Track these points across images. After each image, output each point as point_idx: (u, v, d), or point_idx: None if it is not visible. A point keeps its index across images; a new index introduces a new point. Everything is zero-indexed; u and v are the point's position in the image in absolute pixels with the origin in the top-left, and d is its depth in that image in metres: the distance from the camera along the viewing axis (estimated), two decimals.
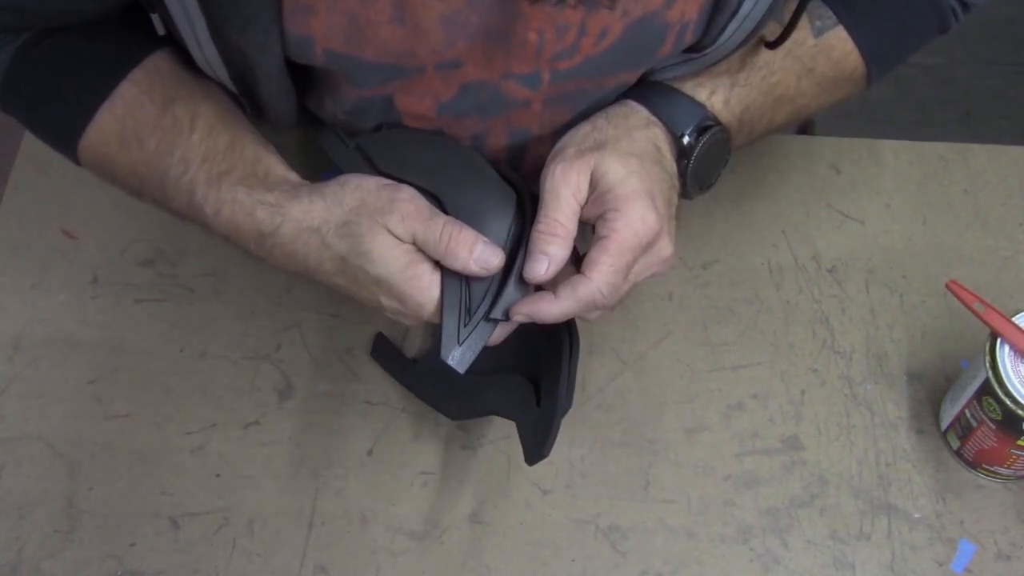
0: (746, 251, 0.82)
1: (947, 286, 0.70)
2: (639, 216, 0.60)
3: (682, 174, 0.67)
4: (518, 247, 0.63)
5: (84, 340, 0.79)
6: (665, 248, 0.63)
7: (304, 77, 0.66)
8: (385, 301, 0.62)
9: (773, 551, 0.71)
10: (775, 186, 0.85)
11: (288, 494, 0.73)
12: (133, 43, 0.65)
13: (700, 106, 0.67)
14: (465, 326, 0.61)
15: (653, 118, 0.67)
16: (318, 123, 0.72)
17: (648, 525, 0.72)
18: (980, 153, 0.87)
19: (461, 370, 0.61)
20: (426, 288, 0.60)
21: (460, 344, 0.61)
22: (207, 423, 0.76)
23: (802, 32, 0.69)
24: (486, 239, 0.61)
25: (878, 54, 0.72)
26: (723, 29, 0.62)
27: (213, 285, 0.81)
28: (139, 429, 0.75)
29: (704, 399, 0.76)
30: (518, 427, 0.67)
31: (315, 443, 0.75)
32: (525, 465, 0.64)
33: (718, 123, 0.68)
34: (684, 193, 0.68)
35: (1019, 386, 0.65)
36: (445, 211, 0.62)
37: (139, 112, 0.64)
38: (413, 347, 0.79)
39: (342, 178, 0.63)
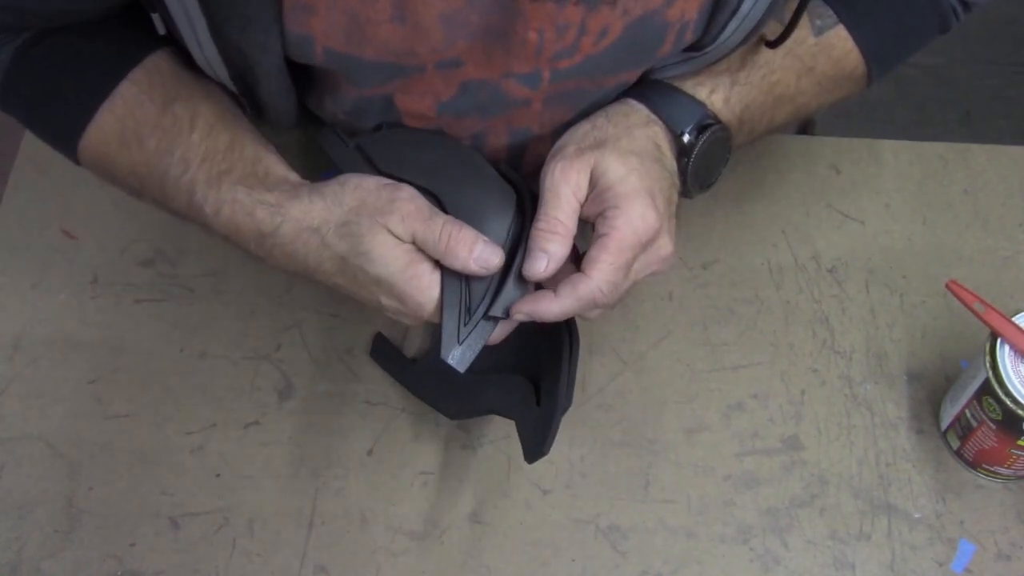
0: (746, 251, 0.82)
1: (947, 286, 0.70)
2: (639, 214, 0.60)
3: (682, 172, 0.67)
4: (518, 246, 0.63)
5: (84, 340, 0.79)
6: (665, 246, 0.63)
7: (304, 77, 0.66)
8: (385, 301, 0.62)
9: (773, 551, 0.71)
10: (775, 186, 0.85)
11: (288, 494, 0.73)
12: (133, 43, 0.65)
13: (700, 104, 0.67)
14: (465, 325, 0.61)
15: (653, 116, 0.67)
16: (318, 123, 0.72)
17: (648, 525, 0.72)
18: (980, 153, 0.87)
19: (461, 369, 0.61)
20: (426, 288, 0.60)
21: (460, 343, 0.61)
22: (207, 423, 0.76)
23: (802, 31, 0.69)
24: (486, 238, 0.61)
25: (878, 53, 0.72)
26: (723, 28, 0.62)
27: (213, 285, 0.81)
28: (139, 429, 0.75)
29: (704, 399, 0.76)
30: (518, 426, 0.67)
31: (315, 443, 0.75)
32: (525, 465, 0.64)
33: (718, 121, 0.68)
34: (684, 192, 0.68)
35: (1019, 386, 0.65)
36: (445, 210, 0.62)
37: (139, 112, 0.64)
38: (413, 347, 0.79)
39: (342, 178, 0.63)
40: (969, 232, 0.83)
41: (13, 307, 0.80)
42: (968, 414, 0.70)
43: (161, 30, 0.61)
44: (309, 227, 0.61)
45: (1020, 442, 0.67)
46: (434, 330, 0.69)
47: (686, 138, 0.66)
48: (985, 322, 0.67)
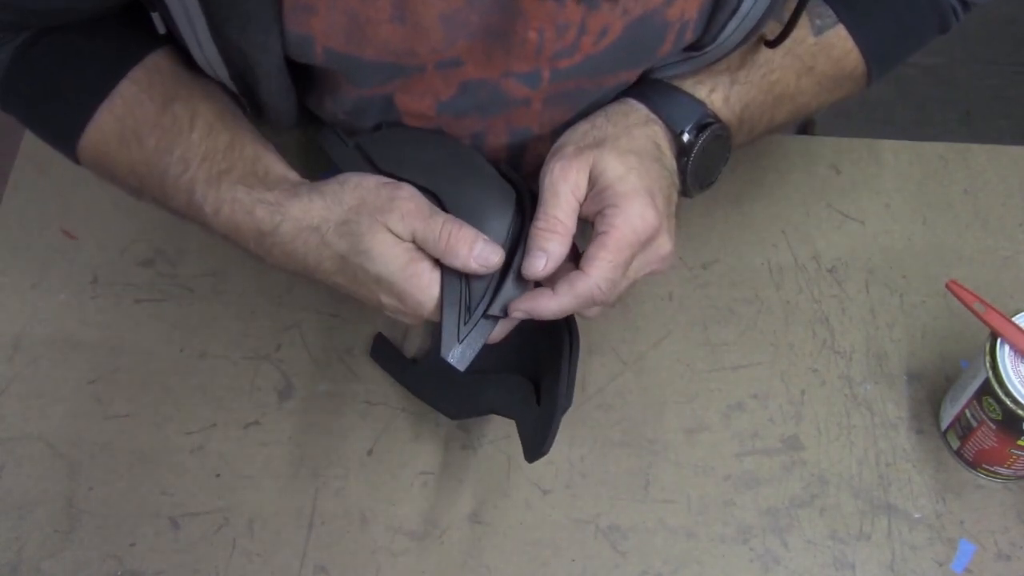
0: (746, 251, 0.82)
1: (947, 286, 0.70)
2: (638, 213, 0.60)
3: (682, 172, 0.67)
4: (518, 245, 0.63)
5: (84, 340, 0.79)
6: (664, 245, 0.63)
7: (304, 77, 0.66)
8: (385, 300, 0.62)
9: (773, 551, 0.71)
10: (775, 186, 0.85)
11: (288, 494, 0.73)
12: (133, 42, 0.65)
13: (700, 103, 0.67)
14: (465, 324, 0.61)
15: (652, 116, 0.67)
16: (318, 123, 0.72)
17: (648, 525, 0.72)
18: (980, 153, 0.87)
19: (461, 368, 0.61)
20: (426, 286, 0.60)
21: (460, 342, 0.61)
22: (207, 423, 0.76)
23: (802, 30, 0.69)
24: (486, 237, 0.61)
25: (878, 53, 0.72)
26: (723, 28, 0.62)
27: (213, 285, 0.81)
28: (139, 429, 0.75)
29: (704, 399, 0.76)
30: (518, 425, 0.67)
31: (315, 443, 0.75)
32: (525, 465, 0.64)
33: (718, 120, 0.68)
34: (684, 191, 0.68)
35: (1019, 386, 0.65)
36: (445, 209, 0.62)
37: (139, 111, 0.64)
38: (413, 347, 0.79)
39: (341, 177, 0.63)
40: (969, 232, 0.83)
41: (13, 307, 0.80)
42: (968, 414, 0.70)
43: (161, 29, 0.61)
44: (309, 226, 0.61)
45: (1020, 442, 0.67)
46: (434, 330, 0.69)
47: (685, 137, 0.66)
48: (985, 322, 0.67)
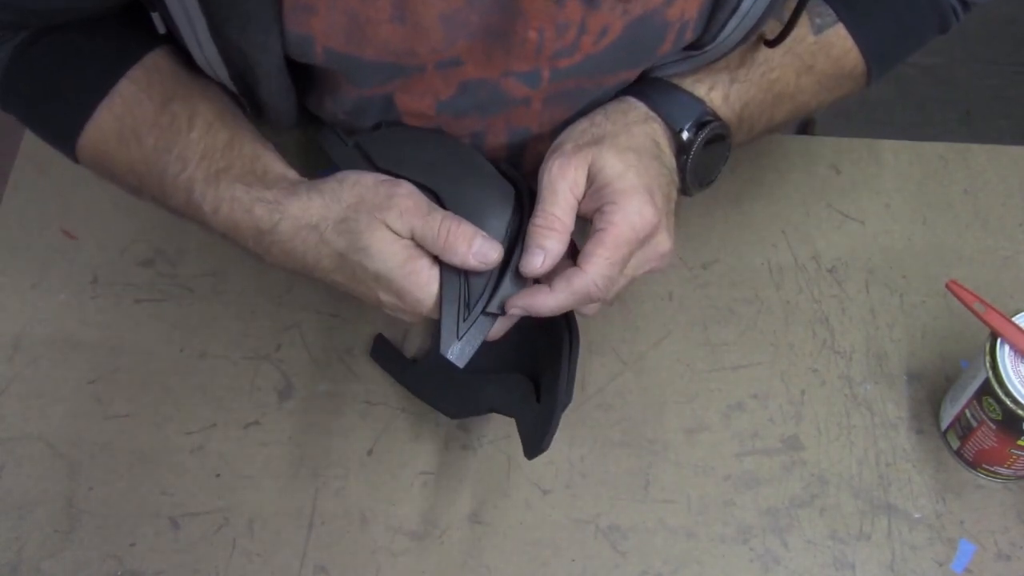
0: (746, 251, 0.82)
1: (947, 286, 0.70)
2: (636, 210, 0.60)
3: (681, 170, 0.67)
4: (517, 243, 0.63)
5: (84, 340, 0.79)
6: (663, 243, 0.63)
7: (304, 77, 0.66)
8: (384, 297, 0.62)
9: (773, 551, 0.71)
10: (775, 186, 0.85)
11: (288, 494, 0.73)
12: (132, 41, 0.65)
13: (699, 101, 0.67)
14: (464, 321, 0.61)
15: (652, 114, 0.67)
16: (318, 123, 0.72)
17: (648, 525, 0.72)
18: (980, 153, 0.87)
19: (460, 365, 0.61)
20: (425, 283, 0.60)
21: (459, 339, 0.61)
22: (207, 423, 0.76)
23: (802, 29, 0.69)
24: (484, 233, 0.61)
25: (878, 53, 0.72)
26: (723, 27, 0.62)
27: (213, 285, 0.81)
28: (139, 429, 0.75)
29: (704, 399, 0.76)
30: (518, 424, 0.67)
31: (315, 443, 0.75)
32: (525, 465, 0.64)
33: (717, 118, 0.68)
34: (684, 189, 0.68)
35: (1019, 386, 0.65)
36: (444, 207, 0.62)
37: (138, 110, 0.64)
38: (413, 347, 0.79)
39: (340, 175, 0.63)
40: (969, 232, 0.83)
41: (13, 307, 0.80)
42: (968, 414, 0.70)
43: (161, 29, 0.61)
44: (307, 224, 0.61)
45: (1020, 442, 0.67)
46: (434, 329, 0.69)
47: (685, 135, 0.66)
48: (985, 322, 0.67)
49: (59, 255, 0.83)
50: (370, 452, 0.75)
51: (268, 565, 0.70)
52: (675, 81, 0.68)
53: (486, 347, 0.63)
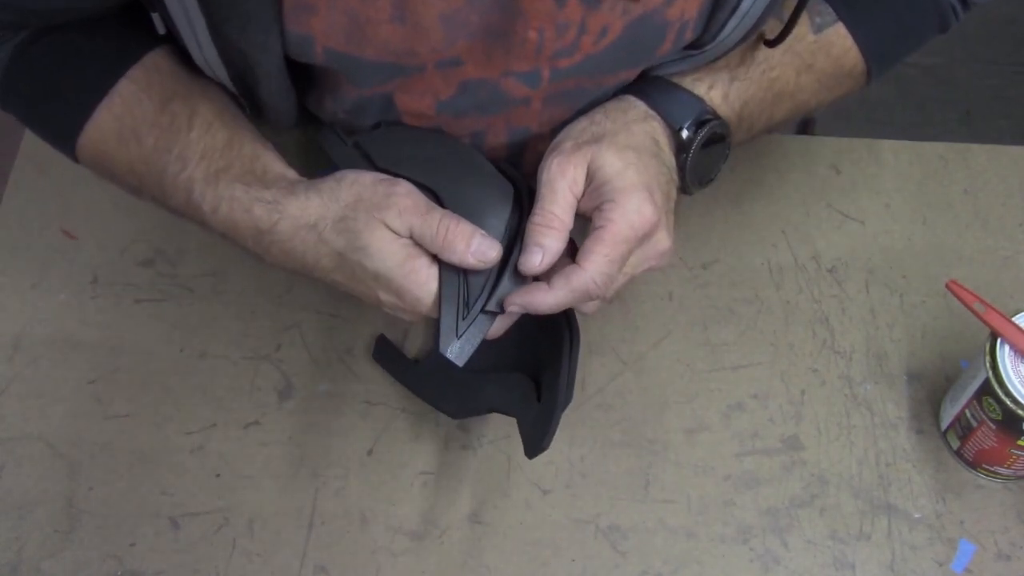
0: (746, 251, 0.82)
1: (947, 286, 0.70)
2: (635, 207, 0.60)
3: (681, 168, 0.67)
4: (516, 241, 0.63)
5: (84, 340, 0.79)
6: (663, 241, 0.63)
7: (304, 76, 0.66)
8: (383, 296, 0.62)
9: (773, 551, 0.71)
10: (775, 186, 0.85)
11: (288, 494, 0.73)
12: (132, 41, 0.65)
13: (699, 100, 0.67)
14: (463, 319, 0.62)
15: (651, 112, 0.67)
16: (317, 123, 0.72)
17: (648, 525, 0.72)
18: (980, 153, 0.87)
19: (460, 363, 0.61)
20: (424, 282, 0.60)
21: (458, 337, 0.61)
22: (207, 423, 0.76)
23: (802, 28, 0.69)
24: (483, 232, 0.61)
25: (878, 52, 0.72)
26: (723, 26, 0.62)
27: (213, 285, 0.81)
28: (139, 429, 0.75)
29: (704, 399, 0.76)
30: (518, 423, 0.67)
31: (315, 443, 0.75)
32: (525, 465, 0.64)
33: (717, 117, 0.68)
34: (683, 188, 0.68)
35: (1019, 386, 0.65)
36: (443, 206, 0.63)
37: (137, 110, 0.64)
38: (413, 348, 0.79)
39: (339, 174, 0.63)
40: (969, 232, 0.83)
41: (13, 307, 0.80)
42: (968, 414, 0.70)
43: (161, 30, 0.61)
44: (306, 224, 0.61)
45: (1020, 442, 0.67)
46: (434, 330, 0.69)
47: (684, 133, 0.66)
48: (985, 322, 0.67)
49: (59, 255, 0.83)
50: (370, 452, 0.75)
51: (268, 565, 0.70)
52: (675, 80, 0.68)
53: (486, 346, 0.63)
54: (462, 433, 0.75)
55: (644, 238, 0.62)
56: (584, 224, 0.63)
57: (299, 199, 0.62)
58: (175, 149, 0.63)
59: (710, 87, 0.68)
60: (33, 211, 0.85)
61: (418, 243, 0.61)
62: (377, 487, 0.73)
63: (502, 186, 0.65)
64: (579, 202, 0.62)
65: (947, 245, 0.83)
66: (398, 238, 0.60)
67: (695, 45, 0.65)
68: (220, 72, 0.62)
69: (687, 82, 0.68)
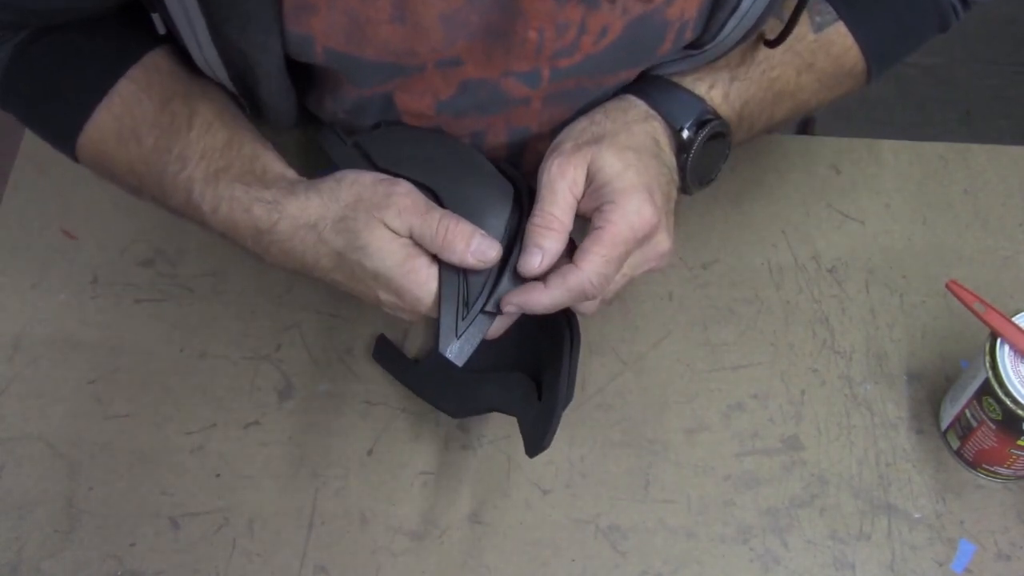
0: (746, 251, 0.82)
1: (947, 286, 0.70)
2: (635, 209, 0.60)
3: (681, 168, 0.67)
4: (516, 241, 0.63)
5: (84, 340, 0.79)
6: (662, 242, 0.63)
7: (304, 76, 0.66)
8: (383, 296, 0.62)
9: (773, 551, 0.71)
10: (775, 186, 0.85)
11: (288, 494, 0.73)
12: (132, 41, 0.65)
13: (699, 100, 0.67)
14: (463, 319, 0.62)
15: (652, 112, 0.67)
16: (317, 123, 0.72)
17: (648, 525, 0.72)
18: (980, 153, 0.87)
19: (459, 363, 0.61)
20: (423, 282, 0.60)
21: (458, 337, 0.61)
22: (207, 423, 0.76)
23: (802, 27, 0.69)
24: (483, 231, 0.61)
25: (878, 51, 0.72)
26: (723, 26, 0.62)
27: (213, 285, 0.81)
28: (139, 429, 0.75)
29: (704, 399, 0.76)
30: (519, 422, 0.67)
31: (315, 443, 0.75)
32: (525, 465, 0.64)
33: (717, 117, 0.68)
34: (684, 188, 0.68)
35: (1019, 386, 0.65)
36: (443, 206, 0.63)
37: (137, 110, 0.64)
38: (414, 347, 0.79)
39: (338, 174, 0.63)
40: (969, 232, 0.83)
41: (13, 307, 0.80)
42: (968, 414, 0.70)
43: (161, 30, 0.61)
44: (306, 224, 0.61)
45: (1020, 442, 0.67)
46: (434, 329, 0.69)
47: (685, 134, 0.66)
48: (985, 322, 0.67)
49: (59, 255, 0.83)
50: (370, 452, 0.75)
51: (268, 565, 0.70)
52: (675, 79, 0.68)
53: (486, 345, 0.63)
54: (462, 433, 0.75)
55: (644, 239, 0.62)
56: (584, 224, 0.63)
57: (299, 199, 0.62)
58: (175, 149, 0.63)
59: (711, 87, 0.68)
60: (33, 211, 0.85)
61: (418, 243, 0.61)
62: (377, 487, 0.73)
63: (502, 186, 0.65)
64: (579, 203, 0.62)
65: (947, 245, 0.83)
66: (398, 238, 0.60)
67: (695, 45, 0.65)
68: (220, 72, 0.62)
69: (688, 82, 0.68)
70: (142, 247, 0.83)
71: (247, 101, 0.66)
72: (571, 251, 0.62)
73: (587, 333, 0.74)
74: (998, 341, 0.67)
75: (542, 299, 0.61)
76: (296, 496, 0.73)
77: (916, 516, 0.72)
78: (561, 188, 0.61)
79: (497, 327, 0.63)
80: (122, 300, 0.81)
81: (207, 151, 0.63)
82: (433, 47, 0.58)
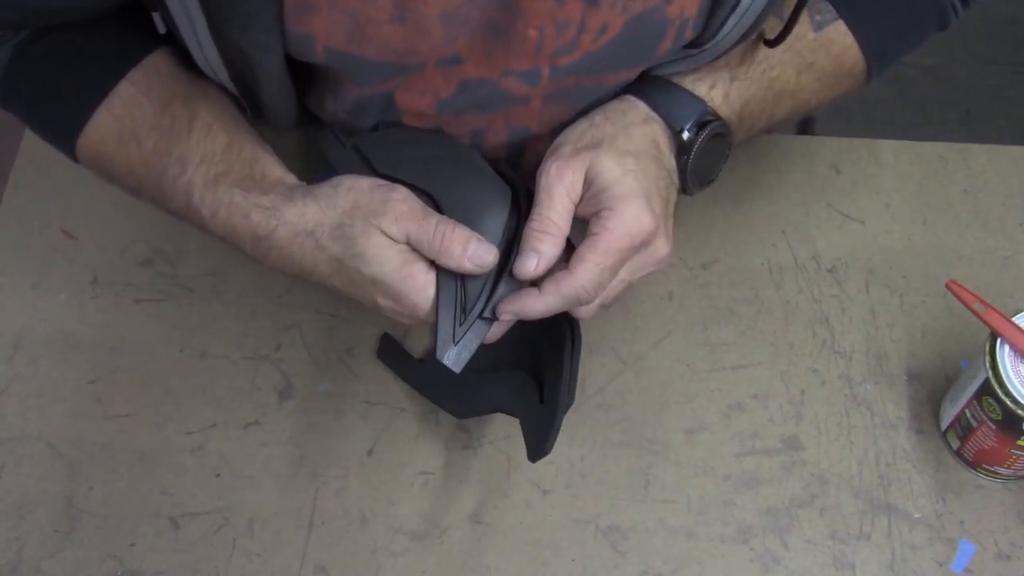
0: (746, 251, 0.82)
1: (947, 286, 0.70)
2: (632, 216, 0.60)
3: (682, 170, 0.67)
4: (514, 245, 0.63)
5: (84, 340, 0.79)
6: (661, 248, 0.63)
7: (304, 76, 0.66)
8: (382, 301, 0.62)
9: (773, 551, 0.71)
10: (775, 186, 0.85)
11: (288, 494, 0.73)
12: (133, 42, 0.65)
13: (700, 101, 0.67)
14: (460, 325, 0.61)
15: (652, 114, 0.67)
16: (318, 123, 0.72)
17: (648, 525, 0.72)
18: (980, 153, 0.87)
19: (457, 370, 0.61)
20: (421, 287, 0.60)
21: (455, 344, 0.61)
22: (207, 423, 0.76)
23: (802, 26, 0.69)
24: (479, 236, 0.61)
25: (878, 50, 0.72)
26: (722, 24, 0.62)
27: (213, 285, 0.81)
28: (139, 429, 0.75)
29: (704, 399, 0.76)
30: (522, 424, 0.67)
31: (315, 443, 0.75)
32: (525, 465, 0.64)
33: (718, 118, 0.68)
34: (684, 188, 0.68)
35: (1019, 386, 0.65)
36: (441, 210, 0.62)
37: (137, 112, 0.64)
38: (418, 347, 0.79)
39: (335, 180, 0.63)
40: (969, 232, 0.83)
41: (13, 307, 0.80)
42: (968, 414, 0.70)
43: (161, 29, 0.61)
44: (304, 230, 0.61)
45: (1020, 442, 0.67)
46: (434, 332, 0.69)
47: (685, 135, 0.66)
48: (985, 322, 0.67)
49: (59, 255, 0.83)
50: (370, 452, 0.75)
51: (268, 565, 0.70)
52: (676, 80, 0.68)
53: (488, 346, 0.63)
54: (462, 433, 0.75)
55: (641, 246, 0.62)
56: (582, 226, 0.63)
57: (296, 206, 0.62)
58: (175, 152, 0.63)
59: (711, 87, 0.68)
60: (33, 211, 0.85)
61: (415, 249, 0.61)
62: (377, 487, 0.73)
63: (500, 189, 0.65)
64: (577, 207, 0.62)
65: (947, 245, 0.83)
66: (394, 244, 0.60)
67: (695, 44, 0.64)
68: (220, 72, 0.62)
69: (688, 82, 0.68)
70: (142, 247, 0.83)
71: (247, 102, 0.66)
72: (569, 254, 0.63)
73: (587, 333, 0.74)
74: (998, 341, 0.67)
75: (536, 305, 0.61)
76: (296, 496, 0.73)
77: (916, 516, 0.72)
78: (559, 192, 0.61)
79: (495, 332, 0.63)
80: (122, 300, 0.81)
81: (207, 155, 0.64)
82: (434, 45, 0.58)
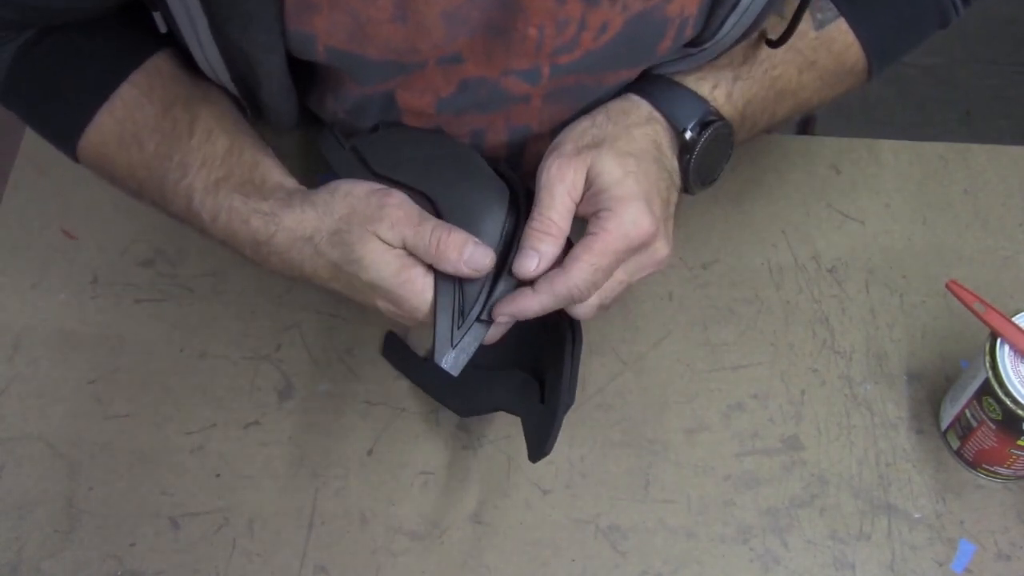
0: (746, 251, 0.82)
1: (947, 286, 0.70)
2: (632, 219, 0.60)
3: (684, 170, 0.67)
4: (512, 245, 0.63)
5: (84, 340, 0.79)
6: (660, 250, 0.63)
7: (305, 76, 0.66)
8: (382, 305, 0.62)
9: (773, 551, 0.71)
10: (775, 186, 0.85)
11: (288, 494, 0.73)
12: (134, 43, 0.65)
13: (702, 100, 0.67)
14: (459, 328, 0.61)
15: (655, 113, 0.66)
16: (318, 124, 0.72)
17: (648, 525, 0.72)
18: (980, 153, 0.87)
19: (455, 373, 0.61)
20: (419, 291, 0.60)
21: (453, 347, 0.61)
22: (207, 423, 0.76)
23: (804, 25, 0.69)
24: (477, 240, 0.60)
25: (879, 48, 0.72)
26: (723, 23, 0.62)
27: (213, 285, 0.81)
28: (139, 429, 0.75)
29: (704, 399, 0.76)
30: (523, 423, 0.67)
31: (315, 443, 0.75)
32: (525, 465, 0.64)
33: (721, 118, 0.67)
34: (686, 188, 0.68)
35: (1019, 386, 0.65)
36: (439, 212, 0.62)
37: (138, 114, 0.64)
38: (421, 344, 0.79)
39: (332, 185, 0.63)
40: (969, 232, 0.83)
41: (13, 307, 0.80)
42: (968, 414, 0.70)
43: (162, 28, 0.61)
44: (302, 236, 0.61)
45: (1020, 442, 0.67)
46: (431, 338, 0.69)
47: (688, 135, 0.66)
48: (985, 322, 0.67)
49: (59, 255, 0.83)
50: (370, 452, 0.75)
51: (268, 565, 0.70)
52: (678, 79, 0.68)
53: (490, 345, 0.63)
54: (462, 433, 0.75)
55: (640, 248, 0.62)
56: (583, 225, 0.63)
57: (295, 212, 0.62)
58: (176, 156, 0.64)
59: (714, 86, 0.68)
60: (33, 211, 0.85)
61: (412, 254, 0.61)
62: (377, 487, 0.73)
63: (498, 190, 0.65)
64: (577, 206, 0.62)
65: (947, 245, 0.83)
66: (391, 249, 0.60)
67: (695, 43, 0.64)
68: (221, 73, 0.62)
69: (691, 81, 0.68)
70: (142, 247, 0.83)
71: (248, 103, 0.66)
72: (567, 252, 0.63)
73: (587, 333, 0.73)
74: (998, 341, 0.67)
75: (531, 304, 0.61)
76: (296, 496, 0.73)
77: (916, 516, 0.72)
78: (559, 192, 0.61)
79: (494, 333, 0.63)
80: (122, 300, 0.81)
81: (207, 159, 0.64)
82: (434, 44, 0.58)
